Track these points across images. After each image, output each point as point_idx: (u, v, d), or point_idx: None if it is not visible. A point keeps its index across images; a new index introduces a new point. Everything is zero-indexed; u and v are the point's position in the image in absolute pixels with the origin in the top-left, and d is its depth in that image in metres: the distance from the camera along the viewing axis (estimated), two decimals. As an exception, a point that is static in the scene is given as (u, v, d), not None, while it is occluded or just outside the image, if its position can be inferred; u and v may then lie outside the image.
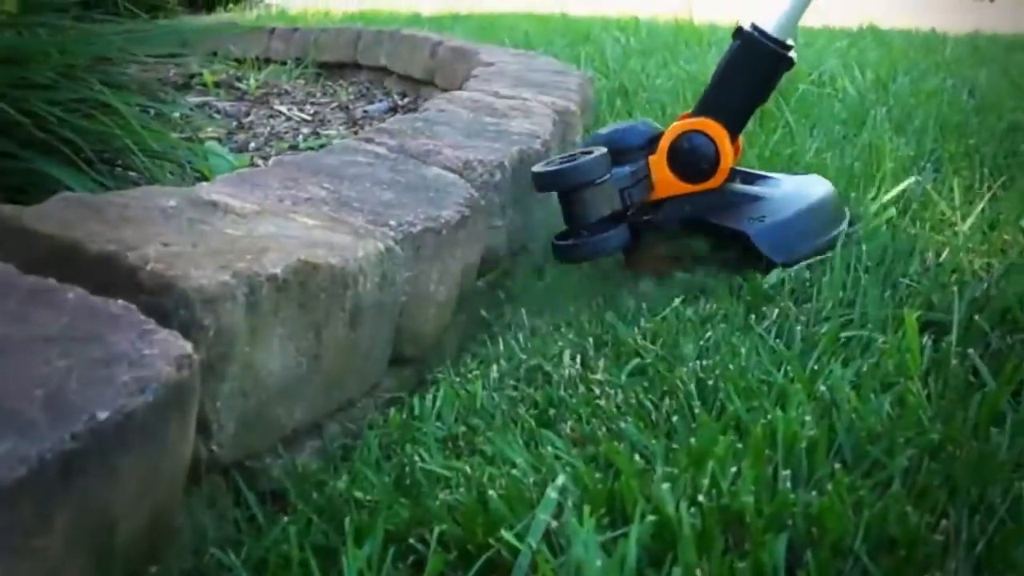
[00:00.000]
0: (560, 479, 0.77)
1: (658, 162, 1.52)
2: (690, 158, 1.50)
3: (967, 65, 3.16)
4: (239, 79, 3.76)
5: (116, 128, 1.20)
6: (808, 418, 0.85)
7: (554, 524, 0.73)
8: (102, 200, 1.00)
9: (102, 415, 0.65)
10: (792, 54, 1.51)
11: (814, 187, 1.57)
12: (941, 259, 1.33)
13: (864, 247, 1.35)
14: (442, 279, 1.26)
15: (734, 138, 1.53)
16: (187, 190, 1.10)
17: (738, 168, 1.58)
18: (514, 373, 1.19)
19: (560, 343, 1.24)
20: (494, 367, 1.21)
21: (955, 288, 1.24)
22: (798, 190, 1.55)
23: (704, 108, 1.53)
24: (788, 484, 0.77)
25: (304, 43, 4.29)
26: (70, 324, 0.74)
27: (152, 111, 1.50)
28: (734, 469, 0.76)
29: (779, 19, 1.49)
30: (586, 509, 0.72)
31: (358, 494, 0.87)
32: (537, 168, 1.52)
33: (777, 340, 1.17)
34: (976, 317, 1.15)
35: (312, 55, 4.16)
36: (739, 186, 1.54)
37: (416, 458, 0.95)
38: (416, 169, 1.43)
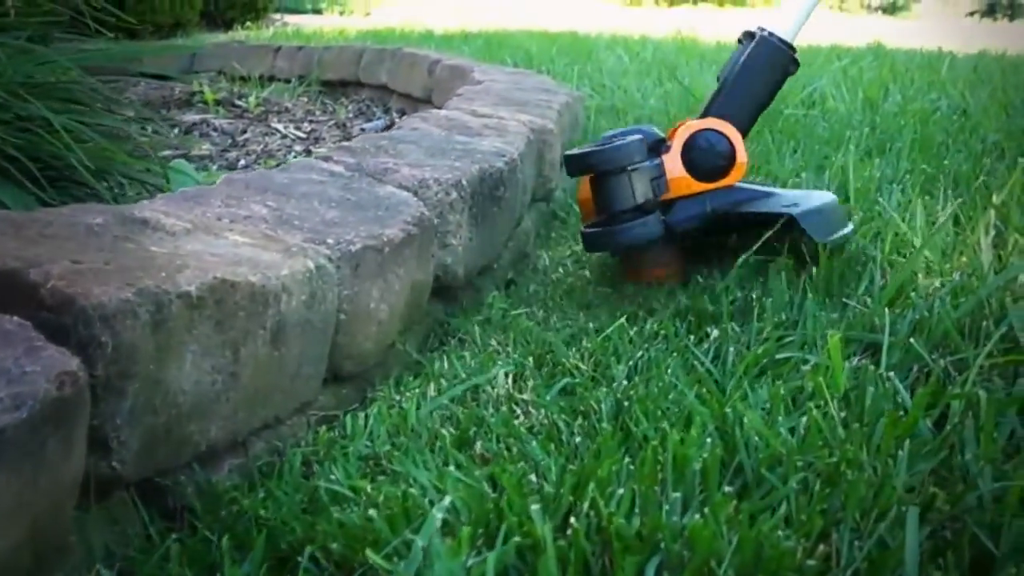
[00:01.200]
0: (447, 499, 0.77)
1: (673, 159, 1.52)
2: (707, 156, 1.52)
3: (963, 85, 3.14)
4: (241, 97, 3.79)
5: (60, 146, 1.21)
6: (709, 440, 0.85)
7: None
8: (26, 217, 1.01)
9: (-31, 431, 0.65)
10: (798, 56, 1.59)
11: (822, 195, 1.59)
12: (891, 281, 1.32)
13: (814, 268, 1.35)
14: (384, 297, 1.26)
15: (744, 138, 1.56)
16: (119, 208, 1.11)
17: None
18: (451, 391, 1.19)
19: (501, 361, 1.24)
20: (432, 385, 1.21)
21: (898, 309, 1.23)
22: (802, 192, 1.59)
23: (717, 108, 1.57)
24: (677, 507, 0.76)
25: (308, 61, 4.32)
26: (-41, 340, 0.75)
27: (114, 129, 1.51)
28: (621, 491, 0.76)
29: (790, 25, 1.56)
30: (465, 530, 0.72)
31: (262, 512, 0.88)
32: (571, 152, 1.54)
33: (715, 361, 1.17)
34: (912, 340, 1.14)
35: (316, 73, 4.20)
36: (748, 185, 1.56)
37: (332, 476, 0.95)
38: (369, 187, 1.44)
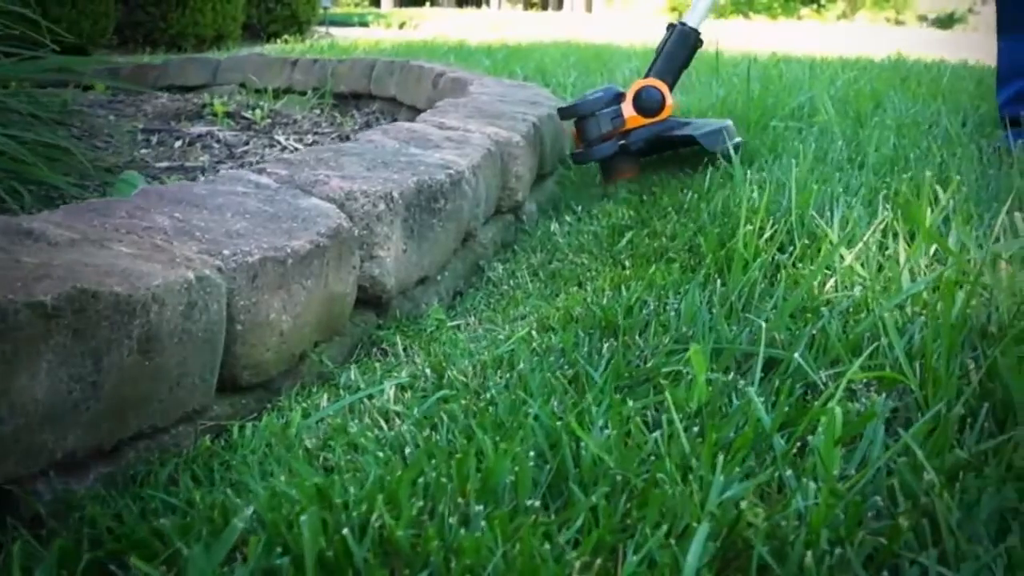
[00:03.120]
0: (249, 509, 0.77)
1: (627, 106, 2.42)
2: (647, 102, 2.41)
3: (964, 98, 3.09)
4: (252, 109, 3.84)
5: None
6: (532, 453, 0.84)
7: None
8: (-97, 228, 1.03)
9: None
10: (702, 38, 2.48)
11: (722, 120, 2.48)
12: (793, 295, 1.30)
13: (718, 282, 1.33)
14: (287, 308, 1.27)
15: (671, 91, 2.44)
16: (7, 218, 1.13)
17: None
18: (341, 402, 1.19)
19: (398, 372, 1.25)
20: (325, 397, 1.21)
21: (801, 324, 1.22)
22: (711, 120, 2.54)
23: (653, 72, 2.45)
24: (479, 520, 0.76)
25: (323, 74, 4.36)
26: None
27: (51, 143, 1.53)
28: (420, 503, 0.76)
29: (697, 18, 2.46)
30: (253, 540, 0.72)
31: (100, 520, 0.89)
32: (560, 106, 2.64)
33: (604, 375, 1.16)
34: (801, 354, 1.12)
35: (329, 86, 4.24)
36: (674, 118, 2.48)
37: (187, 487, 0.96)
38: (293, 199, 1.45)
